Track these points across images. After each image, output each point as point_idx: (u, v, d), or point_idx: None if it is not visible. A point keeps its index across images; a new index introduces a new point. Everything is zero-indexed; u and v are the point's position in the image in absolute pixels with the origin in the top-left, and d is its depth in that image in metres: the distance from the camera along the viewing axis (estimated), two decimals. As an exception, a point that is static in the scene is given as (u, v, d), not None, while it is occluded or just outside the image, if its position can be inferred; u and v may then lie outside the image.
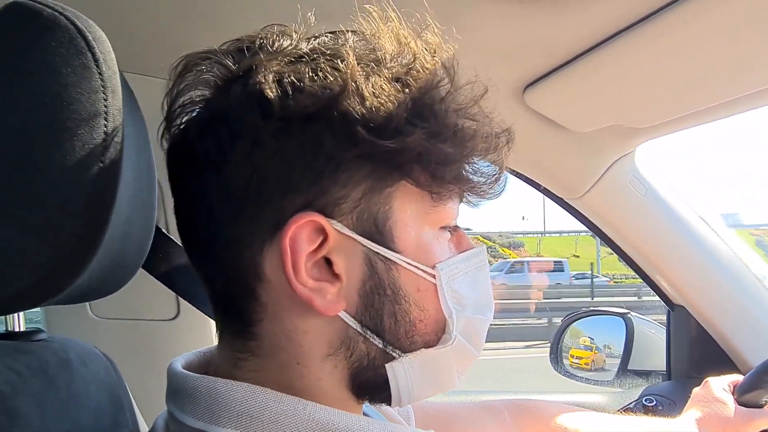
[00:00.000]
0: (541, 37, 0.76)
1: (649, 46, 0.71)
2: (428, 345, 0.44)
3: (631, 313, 1.47)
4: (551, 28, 0.73)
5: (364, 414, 0.52)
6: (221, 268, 0.42)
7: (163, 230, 0.68)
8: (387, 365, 0.43)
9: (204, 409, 0.40)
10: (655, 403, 1.20)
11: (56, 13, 0.37)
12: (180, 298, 1.01)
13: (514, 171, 1.10)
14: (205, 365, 0.48)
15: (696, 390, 0.73)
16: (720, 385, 0.72)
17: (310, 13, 0.46)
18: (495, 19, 0.72)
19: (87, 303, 1.01)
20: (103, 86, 0.36)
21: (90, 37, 0.37)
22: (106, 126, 0.36)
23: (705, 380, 0.74)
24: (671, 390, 1.25)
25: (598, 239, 1.23)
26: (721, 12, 0.61)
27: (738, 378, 0.73)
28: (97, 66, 0.37)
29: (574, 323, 1.59)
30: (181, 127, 0.43)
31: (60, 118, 0.35)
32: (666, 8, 0.64)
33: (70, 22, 0.36)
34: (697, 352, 1.25)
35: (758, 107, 0.86)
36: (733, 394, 0.71)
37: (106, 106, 0.36)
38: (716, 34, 0.66)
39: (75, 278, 0.36)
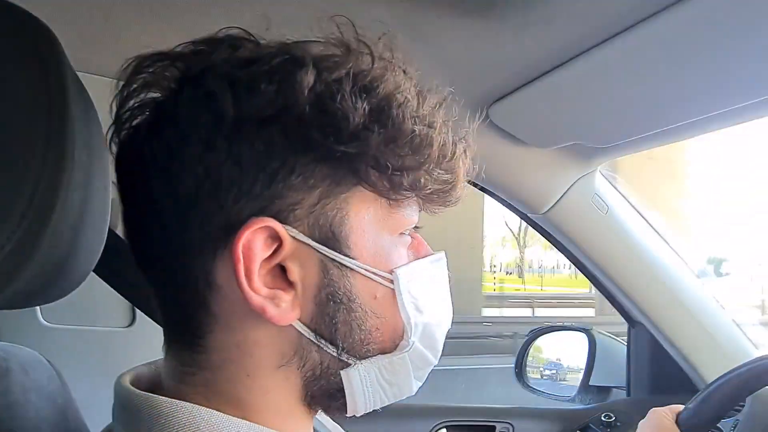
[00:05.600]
0: (507, 54, 0.77)
1: (610, 67, 0.73)
2: (384, 351, 0.44)
3: (595, 328, 1.49)
4: (517, 46, 0.74)
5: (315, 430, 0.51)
6: (171, 276, 0.41)
7: (120, 235, 0.67)
8: (342, 372, 0.42)
9: (146, 430, 0.39)
10: (613, 419, 1.21)
11: (3, 11, 0.35)
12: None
13: (479, 185, 1.12)
14: (154, 379, 0.47)
15: (642, 421, 0.75)
16: (663, 415, 0.73)
17: (271, 18, 0.46)
18: (461, 36, 0.73)
19: (38, 309, 0.98)
20: (48, 87, 0.35)
21: (38, 36, 0.36)
22: (49, 128, 0.35)
23: (650, 411, 0.75)
24: (630, 406, 1.27)
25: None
26: (681, 35, 0.63)
27: (681, 408, 0.75)
28: (44, 65, 0.35)
29: (539, 338, 1.61)
30: (130, 130, 0.42)
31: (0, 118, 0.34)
32: (629, 30, 0.66)
33: (18, 19, 0.35)
34: (656, 370, 1.28)
35: (717, 129, 0.89)
36: (676, 423, 0.73)
37: (50, 107, 0.35)
38: (676, 56, 0.68)
39: (7, 284, 0.35)
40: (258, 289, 0.39)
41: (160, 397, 0.40)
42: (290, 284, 0.40)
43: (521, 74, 0.82)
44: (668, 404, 0.78)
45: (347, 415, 0.45)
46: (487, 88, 0.87)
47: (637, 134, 0.91)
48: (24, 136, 0.34)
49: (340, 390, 0.43)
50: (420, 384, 0.47)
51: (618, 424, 1.20)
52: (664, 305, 1.17)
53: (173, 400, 0.39)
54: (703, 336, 1.17)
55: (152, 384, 0.46)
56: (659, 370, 1.27)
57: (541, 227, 1.19)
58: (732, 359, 1.14)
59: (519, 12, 0.66)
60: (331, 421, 0.57)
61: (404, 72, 0.43)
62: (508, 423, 1.30)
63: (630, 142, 0.95)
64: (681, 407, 0.75)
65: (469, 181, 0.48)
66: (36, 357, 0.55)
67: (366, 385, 0.43)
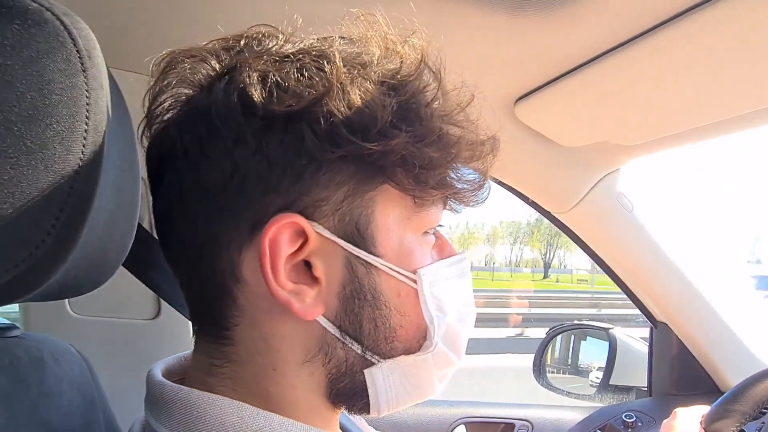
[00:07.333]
0: (534, 51, 0.76)
1: (638, 66, 0.71)
2: (408, 351, 0.44)
3: (615, 328, 1.48)
4: (543, 43, 0.74)
5: (341, 425, 0.51)
6: (198, 269, 0.41)
7: (147, 229, 0.67)
8: (366, 371, 0.42)
9: (178, 422, 0.39)
10: (634, 419, 1.20)
11: (43, 9, 0.36)
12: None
13: (502, 183, 1.11)
14: (184, 371, 0.48)
15: (665, 421, 0.74)
16: (688, 416, 0.73)
17: (297, 16, 0.46)
18: (488, 32, 0.73)
19: (66, 300, 1.00)
20: (86, 84, 0.36)
21: (76, 34, 0.36)
22: (87, 124, 0.36)
23: (674, 411, 0.74)
24: (651, 407, 1.26)
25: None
26: (711, 35, 0.62)
27: (706, 408, 0.74)
28: (82, 63, 0.36)
29: (559, 336, 1.60)
30: (163, 124, 0.43)
31: (40, 115, 0.34)
32: (657, 28, 0.65)
33: (57, 18, 0.36)
34: (678, 370, 1.26)
35: (743, 130, 0.87)
36: (701, 424, 0.72)
37: (88, 104, 0.36)
38: (705, 56, 0.67)
39: (47, 278, 0.36)
40: (284, 284, 0.39)
41: (192, 389, 0.40)
42: (315, 280, 0.41)
43: (548, 71, 0.81)
44: (690, 405, 0.77)
45: (370, 415, 0.45)
46: (514, 84, 0.87)
47: (663, 133, 0.90)
48: (64, 132, 0.35)
49: (364, 389, 0.43)
50: (442, 385, 0.47)
51: (639, 423, 1.19)
52: (688, 305, 1.15)
53: (204, 392, 0.40)
54: (727, 337, 1.15)
55: (182, 376, 0.47)
56: (681, 371, 1.26)
57: (564, 225, 1.18)
58: (757, 361, 1.13)
59: (547, 9, 0.66)
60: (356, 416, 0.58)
61: (432, 70, 0.42)
62: (528, 421, 1.29)
63: (657, 140, 0.93)
64: (706, 407, 0.74)
65: (491, 178, 0.48)
66: (66, 347, 0.56)
67: (389, 385, 0.43)
